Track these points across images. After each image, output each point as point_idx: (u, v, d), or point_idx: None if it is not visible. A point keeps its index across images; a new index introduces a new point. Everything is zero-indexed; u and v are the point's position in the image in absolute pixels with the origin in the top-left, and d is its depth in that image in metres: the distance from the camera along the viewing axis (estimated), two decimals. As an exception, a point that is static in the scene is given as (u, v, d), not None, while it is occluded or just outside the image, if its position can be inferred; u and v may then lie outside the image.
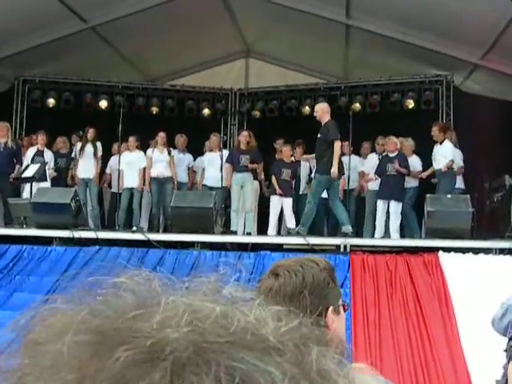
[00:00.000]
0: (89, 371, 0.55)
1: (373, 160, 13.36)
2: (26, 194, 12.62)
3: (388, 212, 12.32)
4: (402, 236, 12.26)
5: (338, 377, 0.60)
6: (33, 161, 13.04)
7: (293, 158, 13.33)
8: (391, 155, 12.49)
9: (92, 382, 0.54)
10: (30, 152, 13.36)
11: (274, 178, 12.93)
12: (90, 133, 13.32)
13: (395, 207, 12.22)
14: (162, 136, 13.18)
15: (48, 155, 13.51)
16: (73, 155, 13.57)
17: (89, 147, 13.32)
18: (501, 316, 4.65)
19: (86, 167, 13.31)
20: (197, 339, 0.56)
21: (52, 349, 0.57)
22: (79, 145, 13.46)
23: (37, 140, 13.64)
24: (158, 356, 0.55)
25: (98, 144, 13.44)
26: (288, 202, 12.77)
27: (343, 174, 11.83)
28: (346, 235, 10.96)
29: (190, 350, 0.55)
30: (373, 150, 13.78)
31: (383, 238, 12.04)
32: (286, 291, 1.96)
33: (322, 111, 11.50)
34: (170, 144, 13.54)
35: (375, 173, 12.80)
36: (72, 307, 0.62)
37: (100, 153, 13.46)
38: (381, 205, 12.39)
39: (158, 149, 13.15)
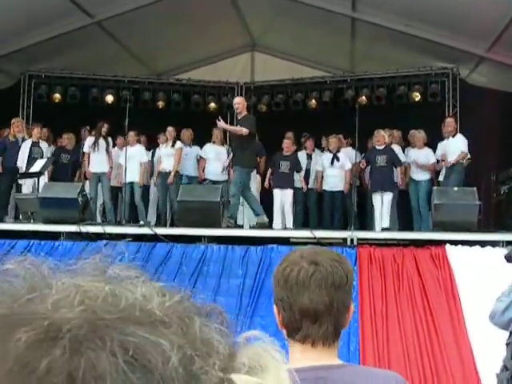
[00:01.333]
0: None
1: None
2: (25, 189, 12.65)
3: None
4: (410, 229, 12.30)
5: (220, 344, 0.65)
6: (31, 153, 13.03)
7: (289, 152, 13.27)
8: (379, 148, 12.59)
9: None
10: (26, 145, 13.27)
11: (268, 171, 13.05)
12: (105, 128, 13.36)
13: (387, 197, 12.32)
14: (169, 130, 13.24)
15: (44, 146, 13.52)
16: (85, 150, 13.51)
17: (102, 142, 13.36)
18: (503, 310, 4.64)
19: (99, 162, 13.35)
20: (90, 317, 0.60)
21: None
22: (91, 139, 13.48)
23: (32, 132, 13.60)
24: (56, 335, 0.58)
25: (110, 139, 13.48)
26: (287, 195, 12.80)
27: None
28: (262, 225, 11.51)
29: (85, 328, 0.59)
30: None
31: (390, 231, 12.03)
32: (333, 280, 1.96)
33: (243, 105, 11.78)
34: (177, 138, 13.56)
35: (362, 159, 12.93)
36: None
37: (111, 147, 13.50)
38: (376, 198, 12.45)
39: (166, 144, 13.22)
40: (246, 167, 11.60)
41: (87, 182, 13.45)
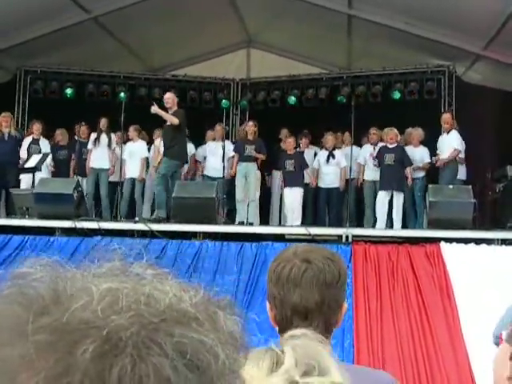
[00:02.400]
0: (56, 369, 0.57)
1: (367, 150, 13.32)
2: (24, 184, 12.64)
3: (389, 202, 12.32)
4: (405, 226, 12.27)
5: (240, 335, 0.68)
6: (29, 149, 13.06)
7: (293, 151, 13.23)
8: (390, 146, 12.47)
9: (67, 379, 0.57)
10: (26, 141, 13.37)
11: (279, 173, 13.02)
12: (103, 122, 13.34)
13: (398, 197, 12.22)
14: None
15: (44, 144, 13.52)
16: (88, 146, 13.49)
17: (103, 137, 13.35)
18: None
19: (99, 157, 13.32)
20: (142, 322, 0.60)
21: (12, 353, 0.59)
22: (93, 135, 13.47)
23: (32, 129, 13.64)
24: (117, 343, 0.58)
25: (112, 135, 13.45)
26: (296, 193, 12.73)
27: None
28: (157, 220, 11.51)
29: (142, 334, 0.59)
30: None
31: (385, 228, 12.02)
32: (325, 278, 1.96)
33: (173, 100, 12.07)
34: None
35: (373, 163, 12.77)
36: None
37: (114, 144, 13.45)
38: (382, 196, 12.35)
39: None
40: (176, 159, 11.86)
41: (75, 177, 13.37)
